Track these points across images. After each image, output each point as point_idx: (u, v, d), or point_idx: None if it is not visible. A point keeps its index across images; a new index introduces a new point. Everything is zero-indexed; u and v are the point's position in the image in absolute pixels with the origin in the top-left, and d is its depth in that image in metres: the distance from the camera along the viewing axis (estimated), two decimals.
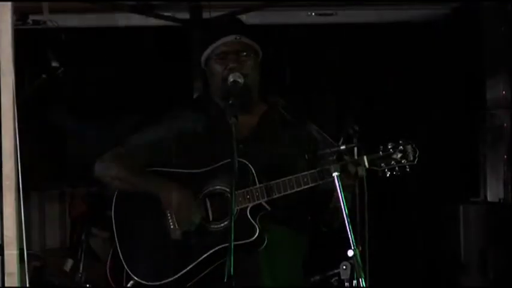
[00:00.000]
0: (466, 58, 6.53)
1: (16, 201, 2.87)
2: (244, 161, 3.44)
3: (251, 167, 3.46)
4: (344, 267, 3.10)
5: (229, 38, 3.59)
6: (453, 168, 6.51)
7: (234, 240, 3.09)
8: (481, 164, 6.58)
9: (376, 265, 3.20)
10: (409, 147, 3.41)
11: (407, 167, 3.40)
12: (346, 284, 3.10)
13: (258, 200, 3.45)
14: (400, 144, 3.41)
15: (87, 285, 5.58)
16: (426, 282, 6.49)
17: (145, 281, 3.52)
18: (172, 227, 3.52)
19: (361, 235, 3.17)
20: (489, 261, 6.06)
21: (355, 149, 3.34)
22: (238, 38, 3.60)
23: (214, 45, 3.61)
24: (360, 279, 3.08)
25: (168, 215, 3.53)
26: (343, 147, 3.32)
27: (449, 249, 6.24)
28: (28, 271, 2.96)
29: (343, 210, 3.16)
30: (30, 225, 6.42)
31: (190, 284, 3.48)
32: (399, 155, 3.40)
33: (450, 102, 6.58)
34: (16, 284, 2.88)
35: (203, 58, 3.68)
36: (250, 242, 3.43)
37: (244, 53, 3.60)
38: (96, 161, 3.71)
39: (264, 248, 3.46)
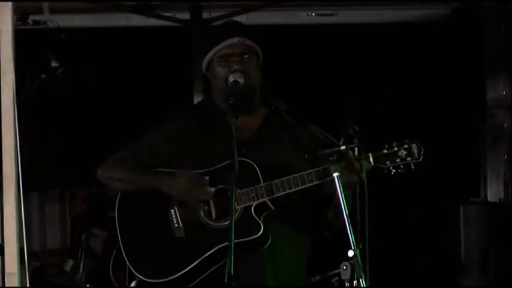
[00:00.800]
0: (466, 58, 6.53)
1: (16, 201, 2.88)
2: (249, 160, 3.45)
3: (255, 166, 3.46)
4: (344, 267, 3.10)
5: (233, 40, 3.58)
6: (453, 168, 6.51)
7: (238, 238, 3.10)
8: (481, 164, 6.59)
9: (377, 265, 3.20)
10: (413, 145, 3.43)
11: (412, 164, 3.41)
12: (347, 284, 3.10)
13: (262, 198, 3.45)
14: (405, 143, 3.42)
15: (88, 286, 5.58)
16: (427, 282, 6.48)
17: (149, 279, 3.53)
18: (176, 225, 3.53)
19: (362, 234, 3.17)
20: (489, 261, 6.05)
21: (356, 149, 3.35)
22: (241, 40, 3.59)
23: (217, 47, 3.60)
24: (361, 280, 3.09)
25: (172, 212, 3.54)
26: (343, 147, 3.32)
27: (450, 249, 6.24)
28: (28, 271, 2.96)
29: (344, 210, 3.17)
30: (30, 225, 6.42)
31: (194, 282, 3.48)
32: (404, 153, 3.41)
33: (450, 102, 6.58)
34: (16, 284, 2.88)
35: (205, 62, 3.66)
36: (254, 239, 3.43)
37: (247, 55, 3.59)
38: (99, 167, 3.70)
39: (267, 247, 3.46)
